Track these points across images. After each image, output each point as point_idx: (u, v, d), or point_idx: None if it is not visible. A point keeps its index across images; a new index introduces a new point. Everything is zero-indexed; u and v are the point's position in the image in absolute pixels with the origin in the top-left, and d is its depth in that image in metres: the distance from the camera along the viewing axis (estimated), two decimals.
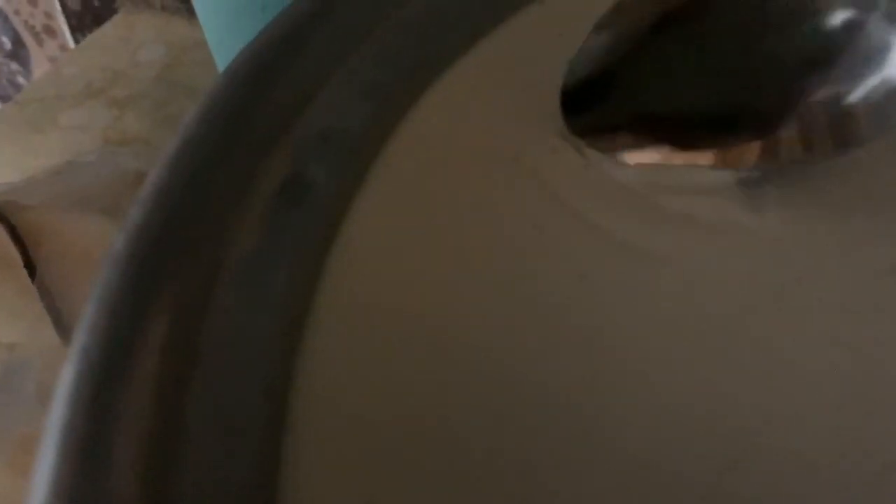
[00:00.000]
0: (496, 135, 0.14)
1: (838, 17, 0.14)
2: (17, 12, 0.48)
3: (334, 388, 0.10)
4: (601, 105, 0.16)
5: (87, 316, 0.08)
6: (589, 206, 0.13)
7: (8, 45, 0.51)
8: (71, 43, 0.48)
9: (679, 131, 0.14)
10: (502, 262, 0.12)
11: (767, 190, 0.13)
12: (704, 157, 0.13)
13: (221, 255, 0.09)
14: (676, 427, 0.10)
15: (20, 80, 0.53)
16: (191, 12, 0.42)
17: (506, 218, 0.12)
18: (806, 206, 0.13)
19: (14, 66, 0.53)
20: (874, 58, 0.14)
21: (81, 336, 0.08)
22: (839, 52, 0.14)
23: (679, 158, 0.13)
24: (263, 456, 0.08)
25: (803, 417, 0.10)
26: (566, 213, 0.12)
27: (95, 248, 0.18)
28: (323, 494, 0.09)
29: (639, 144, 0.14)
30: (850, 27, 0.14)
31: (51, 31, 0.49)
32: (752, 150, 0.13)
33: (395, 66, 0.14)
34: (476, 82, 0.14)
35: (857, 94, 0.14)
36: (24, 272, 0.17)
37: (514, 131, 0.14)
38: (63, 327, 0.17)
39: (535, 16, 0.16)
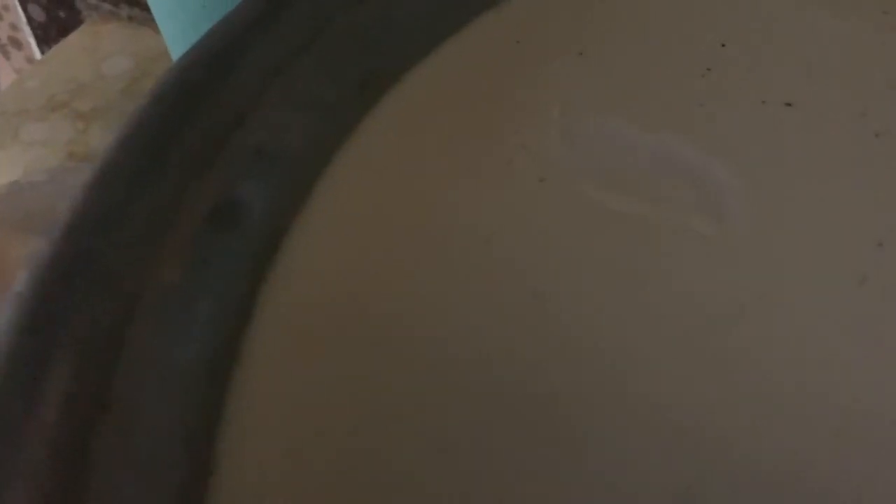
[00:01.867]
0: (450, 149, 0.13)
1: None
2: None
3: (267, 429, 0.09)
4: None
5: None
6: (544, 219, 0.12)
7: None
8: (38, 55, 0.47)
9: None
10: (451, 283, 0.11)
11: (732, 194, 0.12)
12: None
13: (139, 290, 0.09)
14: (643, 437, 0.10)
15: None
16: None
17: (457, 234, 0.12)
18: (774, 212, 0.12)
19: None
20: None
21: None
22: None
23: None
24: None
25: (770, 430, 0.10)
26: (520, 227, 0.12)
27: None
28: None
29: None
30: None
31: (17, 43, 0.48)
32: None
33: (339, 80, 0.13)
34: (429, 94, 0.14)
35: None
36: None
37: (470, 145, 0.13)
38: None
39: (490, 24, 0.15)
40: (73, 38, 0.41)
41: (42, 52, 0.47)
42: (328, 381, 0.10)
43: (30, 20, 0.45)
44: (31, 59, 0.48)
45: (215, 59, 0.11)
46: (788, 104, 0.14)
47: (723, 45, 0.15)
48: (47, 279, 0.08)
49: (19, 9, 0.45)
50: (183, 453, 0.08)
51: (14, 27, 0.47)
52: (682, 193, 0.13)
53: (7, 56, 0.49)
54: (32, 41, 0.46)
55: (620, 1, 0.16)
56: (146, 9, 0.41)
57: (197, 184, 0.10)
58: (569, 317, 0.11)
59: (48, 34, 0.45)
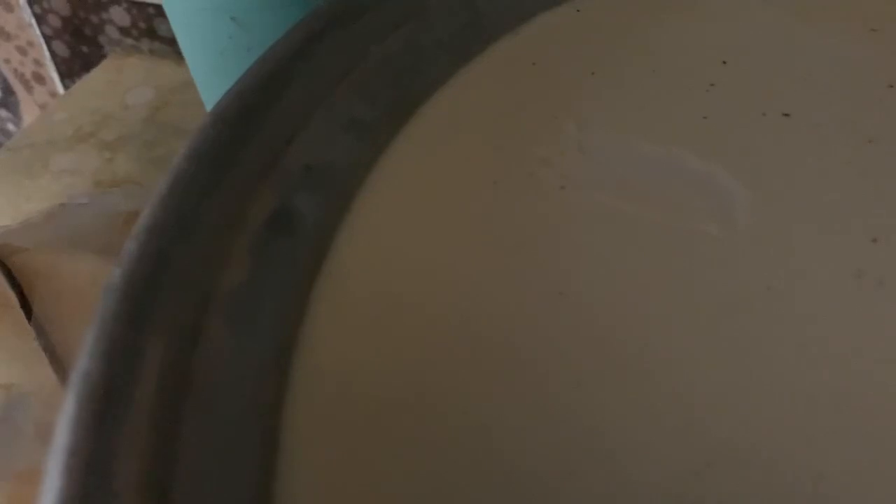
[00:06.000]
0: (474, 162, 0.14)
1: None
2: (7, 61, 0.49)
3: (324, 411, 0.10)
4: None
5: (87, 342, 0.08)
6: (565, 225, 0.13)
7: None
8: (60, 89, 0.48)
9: None
10: (484, 281, 0.12)
11: (737, 198, 0.13)
12: None
13: (211, 286, 0.10)
14: (648, 433, 0.11)
15: (10, 126, 0.54)
16: (178, 55, 0.43)
17: (486, 239, 0.13)
18: (776, 213, 0.13)
19: (4, 113, 0.53)
20: None
21: (82, 361, 0.08)
22: None
23: None
24: (258, 474, 0.09)
25: (777, 425, 0.11)
26: (544, 233, 0.13)
27: (89, 287, 0.18)
28: None
29: None
30: None
31: (40, 78, 0.49)
32: None
33: (375, 101, 0.14)
34: (453, 113, 0.15)
35: None
36: (21, 312, 0.18)
37: (492, 158, 0.14)
38: (59, 365, 0.17)
39: (508, 48, 0.17)
40: (98, 72, 0.42)
41: (65, 87, 0.48)
42: (375, 364, 0.11)
43: (54, 56, 0.47)
44: (53, 94, 0.50)
45: (267, 85, 0.12)
46: (786, 115, 0.15)
47: (724, 63, 0.16)
48: (135, 275, 0.09)
49: (44, 45, 0.46)
50: (255, 429, 0.09)
51: (38, 63, 0.48)
52: (691, 199, 0.14)
53: (30, 91, 0.51)
54: (56, 76, 0.48)
55: (628, 24, 0.17)
56: (166, 42, 0.43)
57: (255, 194, 0.11)
58: (591, 312, 0.12)
59: (71, 69, 0.47)
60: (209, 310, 0.10)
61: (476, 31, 0.16)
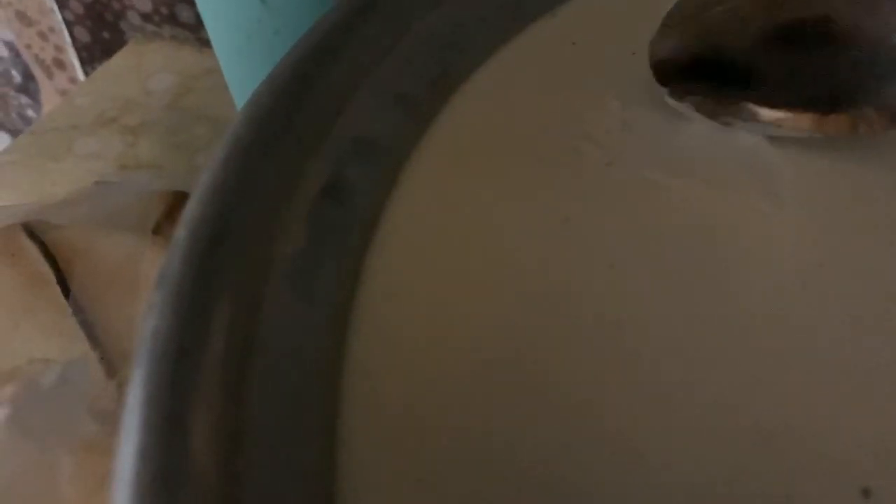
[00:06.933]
0: (519, 137, 0.14)
1: None
2: (28, 46, 0.49)
3: (380, 374, 0.10)
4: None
5: (154, 300, 0.08)
6: (611, 200, 0.13)
7: (18, 78, 0.52)
8: (81, 75, 0.48)
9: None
10: (530, 252, 0.12)
11: (785, 175, 0.13)
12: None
13: (271, 251, 0.10)
14: (698, 417, 0.11)
15: (30, 113, 0.54)
16: (199, 41, 0.43)
17: (533, 211, 0.13)
18: (825, 190, 0.13)
19: (24, 99, 0.54)
20: None
21: (152, 320, 0.08)
22: None
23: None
24: (321, 432, 0.09)
25: (830, 405, 0.11)
26: (591, 207, 0.13)
27: (124, 264, 0.19)
28: (376, 470, 0.09)
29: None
30: None
31: (61, 64, 0.50)
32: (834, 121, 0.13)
33: (419, 77, 0.14)
34: (496, 90, 0.15)
35: None
36: (58, 289, 0.18)
37: (536, 134, 0.14)
38: (96, 342, 0.18)
39: (548, 27, 0.16)
40: (119, 58, 0.43)
41: (85, 73, 0.48)
42: (427, 331, 0.11)
43: (75, 41, 0.47)
44: (74, 80, 0.50)
45: (316, 56, 0.12)
46: None
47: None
48: (199, 236, 0.09)
49: (65, 31, 0.47)
50: (315, 388, 0.09)
51: (59, 49, 0.49)
52: (737, 176, 0.14)
53: (51, 76, 0.51)
54: (76, 62, 0.48)
55: (666, 5, 0.17)
56: (188, 29, 0.43)
57: (309, 163, 0.11)
58: (641, 285, 0.12)
59: (92, 55, 0.47)
60: (270, 274, 0.10)
61: (516, 9, 0.16)
